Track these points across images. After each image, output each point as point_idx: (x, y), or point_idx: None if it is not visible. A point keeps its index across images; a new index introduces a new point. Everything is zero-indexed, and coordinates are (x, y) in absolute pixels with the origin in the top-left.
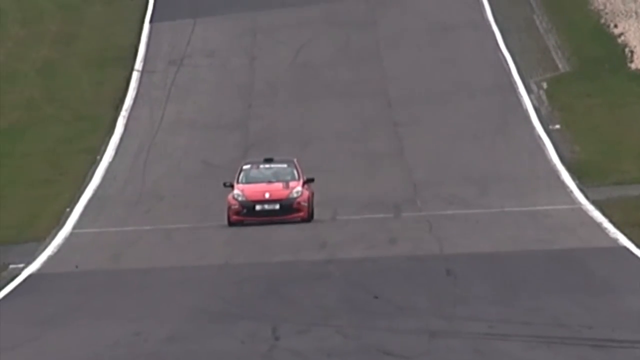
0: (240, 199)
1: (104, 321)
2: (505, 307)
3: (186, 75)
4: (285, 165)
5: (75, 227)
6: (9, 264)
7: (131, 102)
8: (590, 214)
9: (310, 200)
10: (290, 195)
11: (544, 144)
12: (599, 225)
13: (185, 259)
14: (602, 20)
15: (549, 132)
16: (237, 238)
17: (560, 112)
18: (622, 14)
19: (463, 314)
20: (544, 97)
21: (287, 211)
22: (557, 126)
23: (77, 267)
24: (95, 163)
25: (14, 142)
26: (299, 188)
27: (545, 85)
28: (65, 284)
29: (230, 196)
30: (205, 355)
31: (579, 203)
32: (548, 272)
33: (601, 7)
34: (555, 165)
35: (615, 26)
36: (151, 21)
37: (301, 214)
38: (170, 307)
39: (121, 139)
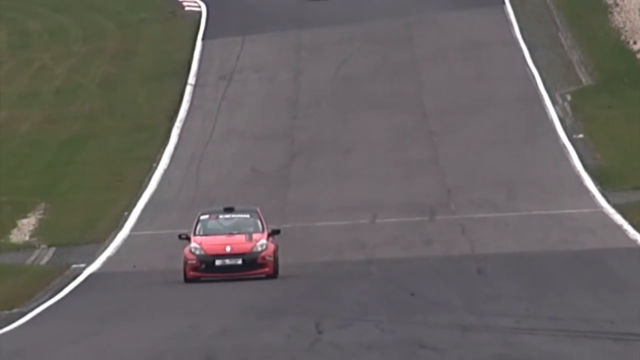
0: (198, 253)
1: (160, 317)
2: (532, 303)
3: (236, 89)
4: (247, 216)
5: (132, 229)
6: (72, 264)
7: (185, 113)
8: (611, 216)
9: (275, 254)
10: (254, 249)
11: (568, 152)
12: (619, 228)
13: None
14: (622, 37)
15: (572, 141)
16: (283, 240)
17: (583, 122)
18: None
19: (493, 310)
20: (568, 109)
21: (251, 267)
22: (581, 135)
23: (134, 266)
24: (151, 170)
25: (76, 152)
26: (264, 241)
27: (569, 97)
28: (123, 283)
29: (187, 250)
30: (254, 348)
31: (601, 207)
32: (572, 271)
33: (621, 25)
34: (578, 171)
35: (635, 43)
36: (203, 39)
37: (266, 269)
38: (222, 303)
39: (175, 148)
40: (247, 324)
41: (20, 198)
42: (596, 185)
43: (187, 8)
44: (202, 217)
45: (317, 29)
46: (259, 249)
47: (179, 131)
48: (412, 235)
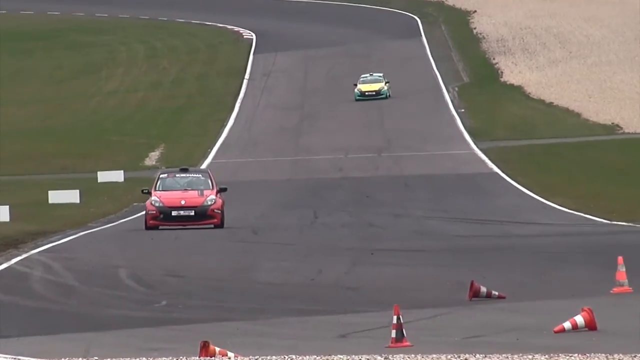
0: (157, 204)
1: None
2: (436, 203)
3: (271, 81)
4: (199, 175)
5: (213, 159)
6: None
7: (243, 94)
8: (479, 155)
9: (222, 208)
10: (205, 203)
11: (455, 119)
12: (483, 161)
13: (268, 175)
14: (486, 56)
15: (458, 113)
16: (295, 166)
17: (464, 102)
18: (497, 52)
19: (412, 206)
20: (456, 95)
21: (202, 217)
22: (462, 110)
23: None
24: (223, 126)
25: (181, 115)
26: (213, 196)
27: (456, 89)
28: None
29: (148, 202)
30: (280, 225)
31: (473, 150)
32: (457, 185)
33: (486, 48)
34: (461, 130)
35: (494, 59)
36: (254, 53)
37: (214, 220)
38: (259, 200)
39: (237, 114)
40: (274, 212)
41: (150, 141)
42: (471, 137)
43: (245, 36)
44: (161, 176)
45: (318, 48)
46: (209, 203)
47: (239, 104)
48: (368, 164)
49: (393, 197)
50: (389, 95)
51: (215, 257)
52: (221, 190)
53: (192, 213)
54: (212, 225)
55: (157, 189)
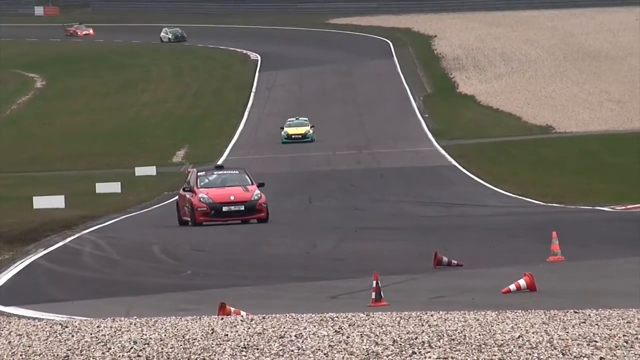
0: (207, 201)
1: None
2: (407, 190)
3: (273, 93)
4: (236, 172)
5: (227, 156)
6: (199, 171)
7: (251, 104)
8: (440, 151)
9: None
10: (253, 198)
11: (420, 122)
12: (444, 156)
13: (272, 169)
14: (446, 72)
15: (423, 117)
16: (293, 162)
17: (427, 109)
18: (454, 68)
19: (388, 192)
20: (421, 103)
21: (250, 212)
22: (426, 115)
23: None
24: (235, 129)
25: (201, 121)
26: (258, 191)
27: (421, 98)
28: None
29: (195, 199)
30: (282, 208)
31: (436, 147)
32: (423, 175)
33: (445, 66)
34: (425, 131)
35: (451, 74)
36: (259, 71)
37: (262, 214)
38: (265, 189)
39: (246, 120)
40: (277, 198)
41: (177, 142)
42: (433, 137)
43: (252, 57)
44: (199, 174)
45: (311, 67)
46: (256, 197)
47: (248, 112)
48: (351, 159)
49: (372, 186)
50: (314, 139)
51: (230, 235)
52: (260, 185)
53: (242, 208)
54: (256, 220)
55: (199, 186)
